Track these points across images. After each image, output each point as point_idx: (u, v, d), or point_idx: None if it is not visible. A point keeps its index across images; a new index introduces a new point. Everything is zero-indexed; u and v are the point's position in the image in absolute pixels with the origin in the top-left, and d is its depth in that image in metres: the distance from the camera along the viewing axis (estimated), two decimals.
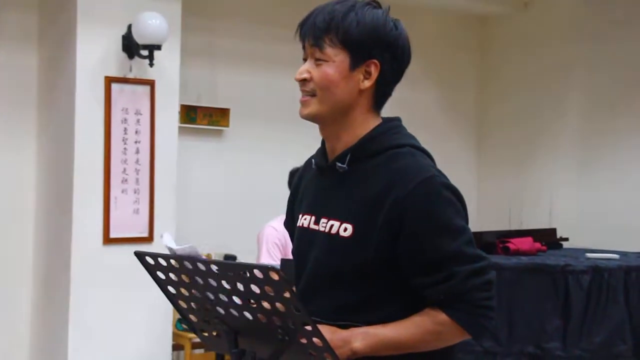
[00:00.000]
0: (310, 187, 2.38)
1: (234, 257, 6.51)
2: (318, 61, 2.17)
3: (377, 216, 2.12)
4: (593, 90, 7.94)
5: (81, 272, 5.94)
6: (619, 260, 5.01)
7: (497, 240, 5.20)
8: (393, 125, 2.26)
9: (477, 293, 2.10)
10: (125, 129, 6.08)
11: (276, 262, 5.42)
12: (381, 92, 2.23)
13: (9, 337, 6.19)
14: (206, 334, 2.21)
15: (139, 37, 5.90)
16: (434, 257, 2.10)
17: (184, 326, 6.45)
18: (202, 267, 1.94)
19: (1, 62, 6.11)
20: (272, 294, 1.86)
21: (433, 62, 8.25)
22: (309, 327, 1.88)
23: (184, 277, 2.03)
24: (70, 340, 5.90)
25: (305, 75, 2.19)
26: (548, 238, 5.59)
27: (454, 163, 6.80)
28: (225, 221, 7.05)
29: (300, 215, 2.35)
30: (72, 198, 5.91)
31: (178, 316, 6.43)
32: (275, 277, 1.81)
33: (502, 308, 4.64)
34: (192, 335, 6.31)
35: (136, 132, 6.13)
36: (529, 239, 5.29)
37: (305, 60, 2.22)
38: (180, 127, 6.45)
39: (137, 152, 6.14)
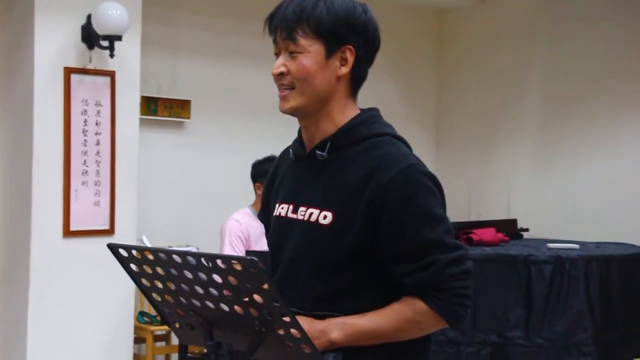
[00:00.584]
0: (287, 177, 2.36)
1: (195, 249, 6.72)
2: (293, 54, 2.15)
3: (358, 203, 2.11)
4: (550, 87, 8.00)
5: (41, 264, 5.89)
6: (579, 250, 5.05)
7: (460, 232, 5.21)
8: (372, 114, 2.26)
9: (456, 282, 2.09)
10: (85, 121, 6.04)
11: (239, 255, 5.39)
12: (357, 77, 2.23)
13: None
14: (179, 327, 2.16)
15: (99, 28, 5.85)
16: (414, 244, 2.09)
17: (146, 319, 6.59)
18: (177, 259, 1.90)
19: None
20: (249, 285, 1.83)
21: (392, 54, 8.24)
22: (286, 318, 1.86)
23: (158, 269, 1.97)
24: (30, 333, 5.85)
25: (282, 69, 2.16)
26: (509, 229, 5.64)
27: None
28: (187, 214, 7.07)
29: (277, 205, 2.33)
30: (31, 190, 5.86)
31: (139, 309, 6.58)
32: (253, 268, 1.79)
33: None
34: (153, 327, 6.49)
35: (96, 123, 6.09)
36: (492, 230, 5.33)
37: (277, 54, 2.21)
38: (140, 119, 6.41)
39: (98, 143, 6.10)
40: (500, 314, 4.68)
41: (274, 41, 2.21)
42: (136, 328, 6.40)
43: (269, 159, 5.56)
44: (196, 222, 6.99)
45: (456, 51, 8.73)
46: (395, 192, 2.09)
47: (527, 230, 5.98)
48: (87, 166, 6.04)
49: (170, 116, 7.02)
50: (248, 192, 5.87)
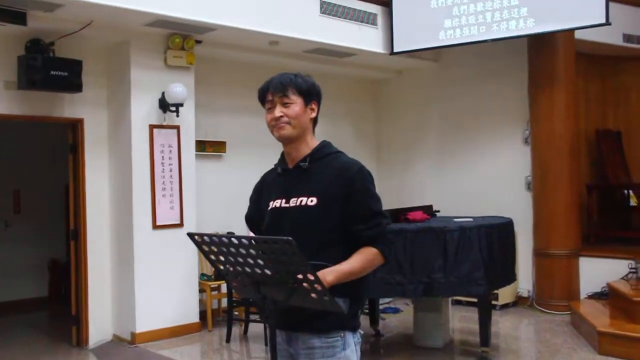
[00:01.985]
0: (274, 184, 2.25)
1: (232, 233, 6.66)
2: (286, 105, 2.13)
3: (334, 190, 2.08)
4: (445, 120, 8.04)
5: (140, 245, 5.94)
6: (473, 222, 5.01)
7: (399, 214, 5.16)
8: (328, 142, 2.25)
9: (390, 235, 2.12)
10: (162, 156, 6.08)
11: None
12: (315, 120, 2.23)
13: (97, 285, 6.12)
14: (236, 285, 2.02)
15: (170, 99, 5.96)
16: (368, 212, 2.08)
17: (205, 277, 6.53)
18: (235, 241, 1.80)
19: (88, 120, 6.04)
20: (285, 256, 1.76)
21: (347, 107, 8.39)
22: (311, 277, 1.80)
23: (222, 248, 1.87)
24: (137, 289, 5.90)
25: (281, 114, 2.14)
26: (428, 211, 5.56)
27: None
28: (225, 211, 6.97)
29: (271, 202, 2.20)
30: (132, 200, 5.91)
31: (201, 272, 6.57)
32: (288, 245, 1.72)
33: (407, 255, 4.66)
34: (210, 283, 6.42)
35: (170, 158, 6.12)
36: (420, 212, 5.28)
37: (270, 108, 2.16)
38: (196, 154, 6.42)
39: (171, 170, 6.13)
40: (428, 264, 4.63)
41: (268, 101, 2.16)
42: (200, 283, 6.41)
43: None
44: (232, 216, 6.82)
45: (385, 103, 8.70)
46: (357, 181, 2.08)
47: (438, 211, 6.02)
48: (165, 185, 6.07)
49: (213, 152, 6.99)
50: None
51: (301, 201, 2.10)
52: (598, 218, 7.46)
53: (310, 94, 2.18)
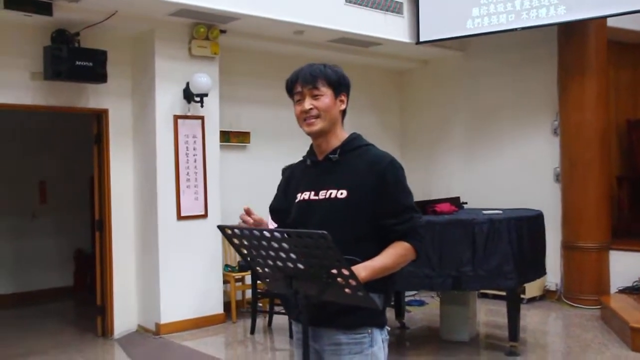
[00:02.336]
0: (304, 176, 2.21)
1: None
2: (316, 96, 2.10)
3: (364, 183, 2.04)
4: (472, 111, 7.96)
5: (165, 236, 5.92)
6: (502, 214, 4.92)
7: (427, 206, 5.11)
8: (358, 134, 2.22)
9: (421, 229, 2.08)
10: (187, 147, 6.04)
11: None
12: (345, 112, 2.20)
13: (122, 276, 6.10)
14: (268, 280, 1.99)
15: (194, 89, 5.92)
16: (400, 206, 2.05)
17: (229, 268, 6.51)
18: (267, 234, 1.75)
19: (113, 111, 6.02)
20: (319, 250, 1.71)
21: (374, 98, 8.36)
22: (346, 272, 1.75)
23: (253, 241, 1.83)
24: (161, 280, 5.90)
25: (310, 106, 2.10)
26: (456, 203, 5.47)
27: None
28: (250, 201, 6.62)
29: (299, 194, 2.16)
30: (157, 191, 5.89)
31: (225, 263, 6.54)
32: (323, 239, 1.67)
33: (435, 247, 4.59)
34: (234, 274, 6.40)
35: (194, 149, 6.09)
36: (448, 204, 5.21)
37: (300, 100, 2.13)
38: (220, 145, 6.39)
39: (195, 161, 6.10)
40: (456, 257, 4.57)
41: (297, 92, 2.13)
42: (224, 274, 6.40)
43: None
44: (256, 207, 6.71)
45: (411, 93, 8.65)
46: (389, 175, 2.05)
47: (466, 203, 5.95)
48: (189, 175, 6.03)
49: (238, 142, 6.97)
50: None
51: (331, 194, 2.07)
52: (629, 211, 7.31)
53: (340, 85, 2.14)
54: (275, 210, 2.32)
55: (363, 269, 1.90)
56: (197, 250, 6.11)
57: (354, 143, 2.16)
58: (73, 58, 5.42)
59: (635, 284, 6.33)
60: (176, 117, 5.98)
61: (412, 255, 2.04)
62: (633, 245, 6.69)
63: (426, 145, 8.36)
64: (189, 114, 6.05)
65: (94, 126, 6.12)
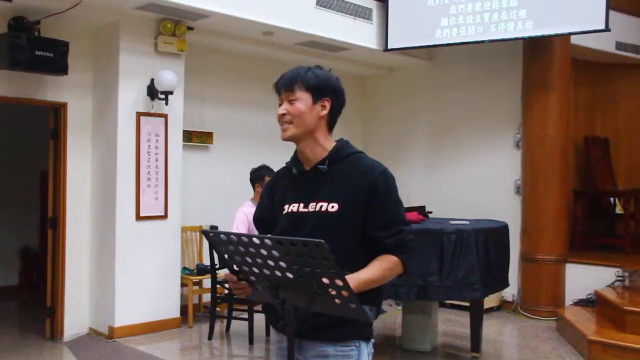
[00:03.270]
0: (289, 186, 2.15)
1: (216, 227, 6.54)
2: (292, 101, 2.05)
3: (356, 194, 2.00)
4: (435, 121, 8.01)
5: (122, 236, 5.78)
6: (469, 225, 4.91)
7: None
8: (347, 141, 2.17)
9: (411, 243, 2.04)
10: (149, 145, 5.93)
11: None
12: (331, 119, 2.13)
13: (75, 276, 5.94)
14: (252, 287, 1.91)
15: (159, 86, 5.79)
16: (390, 219, 2.01)
17: (187, 272, 6.42)
18: (256, 241, 1.68)
19: (72, 105, 5.86)
20: (313, 259, 1.64)
21: None
22: (339, 282, 1.68)
23: (240, 248, 1.75)
24: (117, 281, 5.75)
25: (284, 111, 2.07)
26: (422, 212, 5.44)
27: None
28: (210, 204, 6.89)
29: (287, 205, 2.10)
30: (116, 190, 5.74)
31: (183, 266, 6.43)
32: (318, 247, 1.60)
33: None
34: (193, 277, 6.30)
35: (156, 147, 5.98)
36: (415, 213, 5.20)
37: (280, 104, 2.09)
38: (183, 145, 6.29)
39: (157, 160, 5.99)
40: (422, 266, 4.54)
41: (279, 95, 2.10)
42: (181, 278, 6.28)
43: (262, 167, 5.42)
44: (216, 209, 6.81)
45: (375, 102, 8.66)
46: (380, 186, 2.01)
47: (431, 212, 5.95)
48: (149, 175, 5.93)
49: (200, 142, 6.87)
50: (248, 190, 5.69)
51: (321, 207, 2.02)
52: (583, 224, 7.45)
53: (320, 90, 2.08)
54: (261, 220, 2.25)
55: (351, 281, 1.81)
56: (155, 252, 5.97)
57: (343, 152, 2.11)
58: (32, 47, 5.18)
59: (589, 296, 6.45)
60: (139, 114, 5.83)
61: (399, 269, 2.02)
62: (588, 258, 6.82)
63: (388, 153, 8.30)
64: (152, 111, 5.91)
65: (51, 120, 5.89)
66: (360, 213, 1.99)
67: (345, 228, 1.99)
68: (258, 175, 5.47)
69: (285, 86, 2.07)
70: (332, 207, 2.01)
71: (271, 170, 5.32)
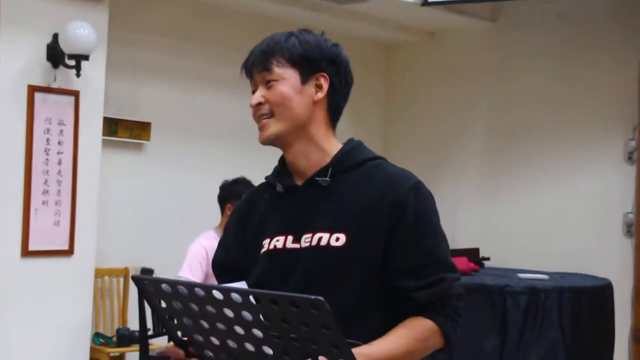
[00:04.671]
0: (273, 210, 2.23)
1: (151, 271, 6.49)
2: (269, 83, 2.13)
3: (373, 220, 2.06)
4: (498, 116, 7.93)
5: None
6: (551, 281, 4.98)
7: None
8: (359, 142, 2.24)
9: (457, 301, 2.08)
10: (47, 140, 5.86)
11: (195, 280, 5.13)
12: (333, 105, 2.19)
13: None
14: None
15: (66, 47, 5.69)
16: (425, 260, 2.06)
17: (101, 340, 6.32)
18: (219, 295, 1.73)
19: None
20: (307, 328, 1.67)
21: None
22: None
23: (192, 305, 1.80)
24: None
25: (260, 99, 2.13)
26: (474, 258, 5.41)
27: None
28: (145, 235, 6.84)
29: (268, 240, 2.17)
30: None
31: (95, 330, 6.28)
32: (316, 310, 1.63)
33: None
34: (109, 349, 6.28)
35: (59, 142, 5.91)
36: (464, 259, 5.19)
37: (254, 91, 2.18)
38: (103, 140, 6.21)
39: (60, 163, 5.92)
40: (475, 343, 4.53)
41: (251, 78, 2.19)
42: (92, 349, 6.15)
43: (239, 181, 5.40)
44: (154, 244, 6.76)
45: (404, 84, 8.63)
46: (411, 207, 2.06)
47: (488, 259, 5.78)
48: (48, 185, 5.86)
49: (130, 137, 6.80)
50: (207, 214, 5.69)
51: (320, 239, 2.08)
52: None
53: (312, 61, 2.15)
54: (225, 265, 2.31)
55: (359, 358, 1.83)
56: (53, 309, 5.84)
57: (354, 157, 2.18)
58: None
59: None
60: (32, 89, 5.73)
61: (437, 341, 2.07)
62: None
63: (420, 161, 7.95)
64: (54, 85, 5.82)
65: None
66: (378, 249, 2.05)
67: (358, 271, 2.05)
68: (232, 192, 5.37)
69: (258, 63, 2.14)
70: (337, 239, 2.06)
71: (252, 186, 5.17)
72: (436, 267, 2.06)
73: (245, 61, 2.22)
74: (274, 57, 2.14)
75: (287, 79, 2.13)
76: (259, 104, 2.13)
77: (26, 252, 5.70)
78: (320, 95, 2.16)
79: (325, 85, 2.16)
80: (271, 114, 2.13)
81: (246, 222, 2.27)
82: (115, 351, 6.25)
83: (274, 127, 2.13)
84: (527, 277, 5.06)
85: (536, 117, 7.62)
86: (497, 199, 7.82)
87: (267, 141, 2.16)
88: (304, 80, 2.14)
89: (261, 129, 2.15)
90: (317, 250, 2.07)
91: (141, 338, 5.69)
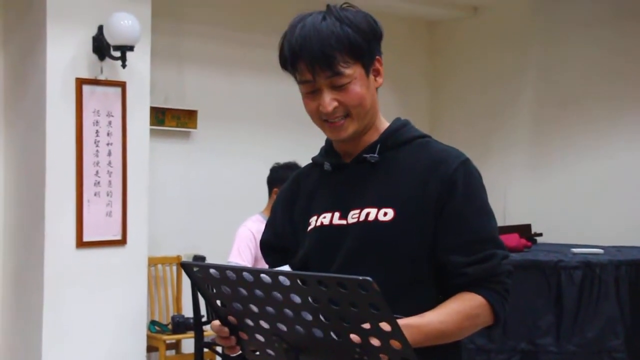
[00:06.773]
0: (320, 189, 2.24)
1: (203, 258, 6.45)
2: (340, 87, 2.05)
3: (421, 196, 2.06)
4: (545, 91, 7.93)
5: (54, 275, 5.73)
6: (607, 255, 4.92)
7: None
8: (406, 120, 2.23)
9: (507, 278, 2.07)
10: (97, 131, 5.92)
11: (245, 264, 5.20)
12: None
13: None
14: (258, 353, 1.96)
15: (111, 38, 5.74)
16: (475, 236, 2.05)
17: (157, 328, 6.44)
18: (267, 279, 1.72)
19: None
20: (356, 309, 1.66)
21: (390, 65, 8.06)
22: (396, 345, 1.68)
23: (241, 290, 1.80)
24: (44, 343, 5.70)
25: (335, 104, 2.06)
26: (526, 234, 5.41)
27: None
28: (195, 222, 6.94)
29: (315, 218, 2.19)
30: (44, 200, 5.71)
31: (151, 318, 6.40)
32: (365, 290, 1.62)
33: None
34: (165, 336, 6.37)
35: (108, 134, 5.98)
36: (515, 236, 5.15)
37: (310, 93, 2.08)
38: (150, 130, 6.27)
39: (109, 154, 5.99)
40: (530, 320, 4.55)
41: (305, 81, 2.06)
42: (148, 337, 6.26)
43: (290, 166, 5.41)
44: (204, 231, 6.86)
45: (448, 59, 8.67)
46: (460, 183, 2.06)
47: (541, 235, 5.77)
48: (99, 177, 5.92)
49: (177, 126, 6.89)
50: (254, 199, 5.74)
51: (367, 214, 2.09)
52: None
53: (369, 49, 2.09)
54: (273, 245, 2.34)
55: (410, 330, 1.84)
56: (107, 297, 5.94)
57: (402, 134, 2.18)
58: None
59: None
60: (80, 82, 5.80)
61: (487, 318, 2.06)
62: None
63: (468, 139, 8.11)
64: (101, 77, 5.89)
65: None
66: (426, 225, 2.06)
67: (406, 246, 2.05)
68: (281, 176, 5.35)
69: (320, 65, 2.03)
70: (385, 214, 2.07)
71: None
72: (486, 244, 2.06)
73: (289, 55, 2.09)
74: (339, 57, 2.05)
75: (357, 77, 2.08)
76: (335, 108, 2.08)
77: (81, 243, 5.78)
78: (380, 80, 2.15)
79: (382, 69, 2.14)
80: (347, 114, 2.09)
81: (293, 201, 2.29)
82: (171, 338, 6.33)
83: (352, 126, 2.11)
84: (582, 251, 5.03)
85: (587, 89, 7.61)
86: (548, 172, 7.83)
87: (347, 139, 2.14)
88: (367, 71, 2.10)
89: (336, 129, 2.11)
90: (365, 225, 2.08)
91: (196, 324, 5.68)
